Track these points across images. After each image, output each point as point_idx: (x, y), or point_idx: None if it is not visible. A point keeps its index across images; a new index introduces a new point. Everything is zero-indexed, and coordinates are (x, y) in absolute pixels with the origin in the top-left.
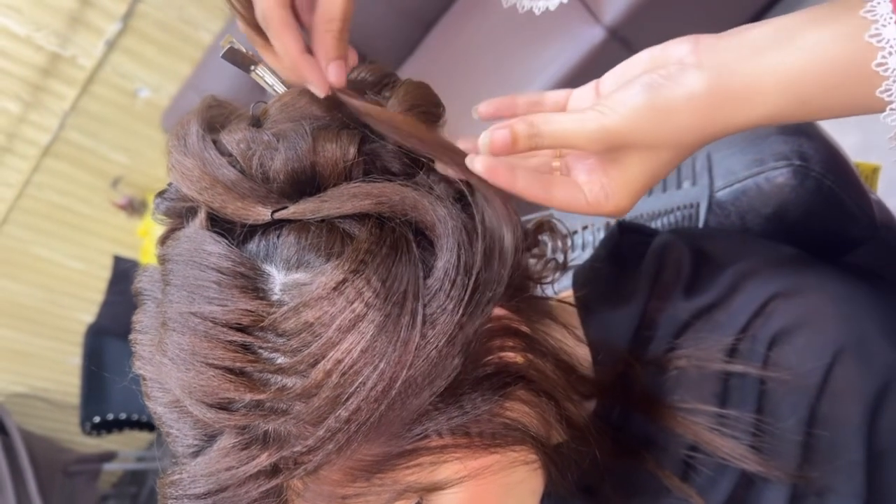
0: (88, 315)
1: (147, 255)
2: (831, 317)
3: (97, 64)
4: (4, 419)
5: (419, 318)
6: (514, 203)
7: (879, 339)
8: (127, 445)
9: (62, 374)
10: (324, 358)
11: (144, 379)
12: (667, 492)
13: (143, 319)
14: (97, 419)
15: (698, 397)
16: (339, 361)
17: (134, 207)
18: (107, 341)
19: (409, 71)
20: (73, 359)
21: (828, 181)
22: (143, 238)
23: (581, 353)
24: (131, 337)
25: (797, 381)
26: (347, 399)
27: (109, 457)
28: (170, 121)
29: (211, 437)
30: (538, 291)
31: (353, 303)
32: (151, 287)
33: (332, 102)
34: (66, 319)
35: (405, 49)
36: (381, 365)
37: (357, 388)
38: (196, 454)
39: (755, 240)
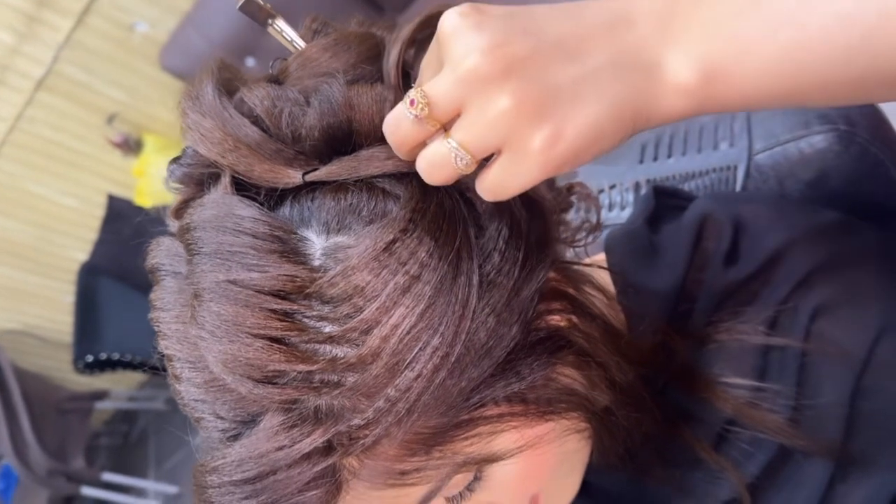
0: (82, 253)
1: (142, 195)
2: (875, 290)
3: None
4: None
5: (475, 277)
6: None
7: None
8: (119, 384)
9: (55, 312)
10: (378, 324)
11: (171, 360)
12: (701, 463)
13: (164, 296)
14: (90, 358)
15: (738, 371)
16: (397, 326)
17: (130, 146)
18: (100, 280)
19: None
20: (67, 297)
21: (874, 148)
22: (139, 178)
23: (618, 319)
24: (151, 316)
25: (841, 354)
26: (407, 366)
27: (101, 395)
28: (168, 57)
29: (252, 418)
30: (572, 255)
31: (405, 264)
32: (170, 261)
33: (362, 55)
34: (59, 257)
35: None
36: (441, 328)
37: (417, 353)
38: (235, 438)
39: (795, 206)
